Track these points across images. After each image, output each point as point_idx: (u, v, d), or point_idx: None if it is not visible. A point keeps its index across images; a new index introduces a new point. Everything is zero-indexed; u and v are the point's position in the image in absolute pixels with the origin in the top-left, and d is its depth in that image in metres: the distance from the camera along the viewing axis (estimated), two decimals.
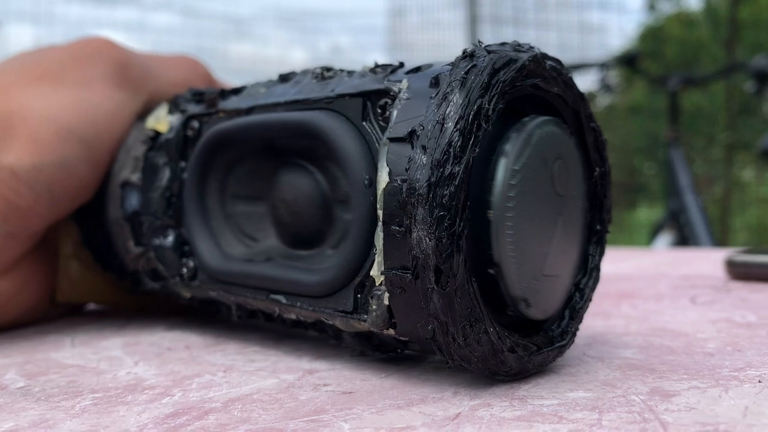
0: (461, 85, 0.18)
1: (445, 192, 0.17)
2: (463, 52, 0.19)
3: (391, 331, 0.20)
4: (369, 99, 0.21)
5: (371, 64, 0.22)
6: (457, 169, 0.17)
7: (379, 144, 0.20)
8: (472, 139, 0.18)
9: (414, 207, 0.18)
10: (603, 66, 1.65)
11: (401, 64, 0.21)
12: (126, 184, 0.28)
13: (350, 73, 0.22)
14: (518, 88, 0.19)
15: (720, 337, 0.25)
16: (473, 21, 2.43)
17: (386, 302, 0.19)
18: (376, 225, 0.19)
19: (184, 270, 0.26)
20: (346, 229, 0.22)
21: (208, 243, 0.25)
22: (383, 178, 0.19)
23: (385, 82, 0.20)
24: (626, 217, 2.83)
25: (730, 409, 0.17)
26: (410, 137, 0.18)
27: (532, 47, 0.20)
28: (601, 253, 0.23)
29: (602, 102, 2.62)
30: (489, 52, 0.19)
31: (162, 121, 0.28)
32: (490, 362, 0.19)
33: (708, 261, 0.50)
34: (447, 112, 0.18)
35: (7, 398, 0.20)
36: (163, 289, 0.28)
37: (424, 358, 0.23)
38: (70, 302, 0.31)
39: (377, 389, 0.20)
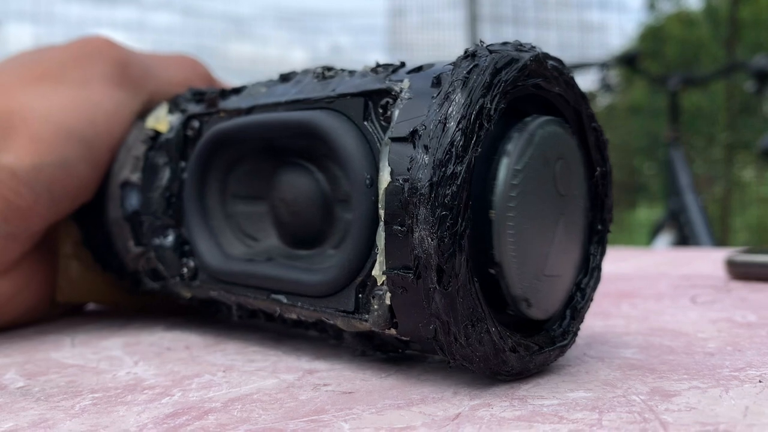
0: (463, 85, 0.18)
1: (447, 191, 0.17)
2: (465, 52, 0.19)
3: (393, 331, 0.20)
4: (370, 99, 0.21)
5: (372, 64, 0.22)
6: (459, 168, 0.17)
7: (380, 144, 0.20)
8: (474, 139, 0.18)
9: (416, 207, 0.18)
10: (603, 65, 1.65)
11: (402, 64, 0.21)
12: (126, 184, 0.28)
13: (351, 72, 0.22)
14: (520, 87, 0.19)
15: (720, 337, 0.25)
16: (473, 20, 2.43)
17: (388, 302, 0.19)
18: (377, 225, 0.19)
19: (185, 270, 0.26)
20: (346, 228, 0.22)
21: (208, 243, 0.25)
22: (385, 178, 0.19)
23: (387, 81, 0.20)
24: (626, 217, 2.83)
25: (730, 409, 0.17)
26: (412, 137, 0.18)
27: (534, 47, 0.20)
28: (602, 253, 0.23)
29: (602, 101, 2.62)
30: (491, 51, 0.19)
31: (162, 120, 0.28)
32: (491, 362, 0.19)
33: (708, 261, 0.50)
34: (449, 111, 0.18)
35: (7, 398, 0.20)
36: (163, 289, 0.28)
37: (424, 357, 0.23)
38: (70, 302, 0.31)
39: (377, 389, 0.20)
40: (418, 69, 0.20)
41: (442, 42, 2.60)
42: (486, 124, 0.18)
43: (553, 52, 0.20)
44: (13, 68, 0.29)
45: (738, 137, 2.70)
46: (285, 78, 0.25)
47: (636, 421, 0.16)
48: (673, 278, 0.41)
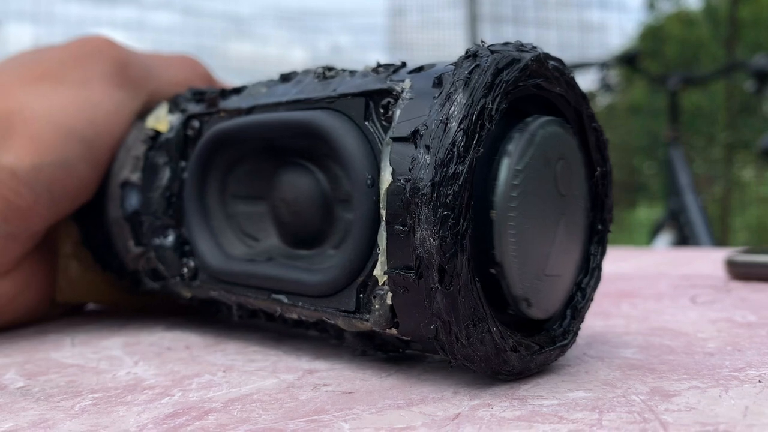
0: (465, 85, 0.18)
1: (449, 191, 0.17)
2: (466, 52, 0.19)
3: (394, 331, 0.20)
4: (371, 99, 0.21)
5: (373, 64, 0.22)
6: (460, 168, 0.17)
7: (381, 144, 0.20)
8: (476, 139, 0.18)
9: (418, 206, 0.18)
10: (603, 65, 1.65)
11: (403, 64, 0.21)
12: (126, 184, 0.28)
13: (352, 72, 0.22)
14: (521, 88, 0.19)
15: (720, 337, 0.25)
16: (473, 20, 2.43)
17: (389, 302, 0.19)
18: (378, 225, 0.19)
19: (185, 270, 0.26)
20: (347, 228, 0.22)
21: (208, 243, 0.25)
22: (386, 178, 0.19)
23: (388, 81, 0.20)
24: (626, 217, 2.83)
25: (730, 409, 0.17)
26: (414, 137, 0.18)
27: (535, 47, 0.20)
28: (603, 253, 0.23)
29: (602, 101, 2.62)
30: (492, 51, 0.19)
31: (162, 120, 0.28)
32: (492, 362, 0.19)
33: (708, 261, 0.50)
34: (450, 111, 0.18)
35: (7, 398, 0.20)
36: (164, 289, 0.28)
37: (424, 357, 0.23)
38: (70, 302, 0.31)
39: (377, 389, 0.20)
40: (419, 69, 0.20)
41: (442, 41, 2.60)
42: (487, 125, 0.18)
43: (553, 52, 0.20)
44: (13, 68, 0.29)
45: (738, 137, 2.70)
46: (285, 78, 0.25)
47: (636, 421, 0.16)
48: (673, 278, 0.41)
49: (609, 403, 0.18)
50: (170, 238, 0.26)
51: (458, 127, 0.18)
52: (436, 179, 0.17)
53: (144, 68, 0.30)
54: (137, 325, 0.30)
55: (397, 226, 0.18)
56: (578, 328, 0.22)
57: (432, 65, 0.20)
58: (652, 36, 3.38)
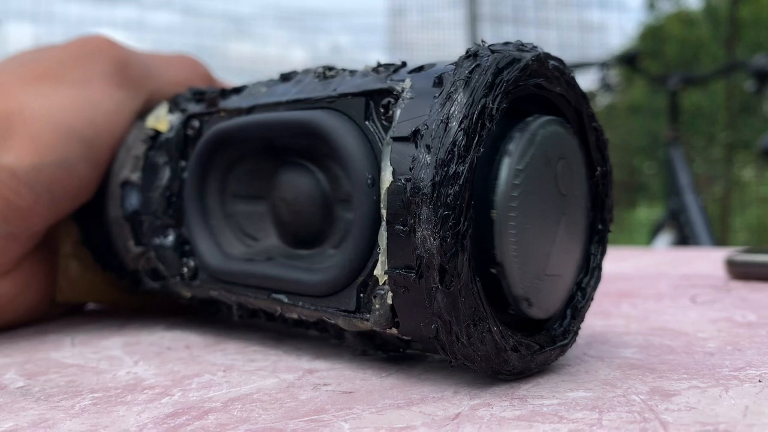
0: (465, 85, 0.18)
1: (450, 191, 0.17)
2: (467, 52, 0.19)
3: (394, 331, 0.20)
4: (372, 98, 0.21)
5: (373, 64, 0.22)
6: (461, 168, 0.17)
7: (381, 143, 0.20)
8: (477, 139, 0.18)
9: (418, 206, 0.18)
10: (603, 65, 1.65)
11: (404, 64, 0.21)
12: (126, 184, 0.28)
13: (352, 72, 0.22)
14: (522, 87, 0.19)
15: (720, 337, 0.25)
16: (473, 20, 2.43)
17: (389, 301, 0.19)
18: (378, 224, 0.19)
19: (185, 269, 0.26)
20: (347, 228, 0.22)
21: (208, 242, 0.25)
22: (387, 178, 0.19)
23: (388, 81, 0.20)
24: (626, 217, 2.83)
25: (730, 409, 0.17)
26: (414, 136, 0.18)
27: (535, 47, 0.20)
28: (603, 253, 0.23)
29: (602, 101, 2.62)
30: (492, 51, 0.19)
31: (162, 120, 0.28)
32: (493, 361, 0.19)
33: (708, 260, 0.50)
34: (451, 111, 0.18)
35: (7, 398, 0.20)
36: (163, 289, 0.28)
37: (424, 357, 0.23)
38: (70, 302, 0.31)
39: (377, 389, 0.20)
40: (420, 69, 0.20)
41: (442, 41, 2.60)
42: (488, 124, 0.18)
43: (553, 52, 0.20)
44: (12, 68, 0.29)
45: (738, 137, 2.70)
46: (286, 77, 0.25)
47: (636, 421, 0.16)
48: (673, 278, 0.41)
49: (609, 402, 0.18)
50: (170, 238, 0.26)
51: (459, 126, 0.18)
52: (437, 179, 0.17)
53: (144, 68, 0.30)
54: (137, 324, 0.30)
55: (397, 226, 0.18)
56: (578, 328, 0.22)
57: (432, 65, 0.20)
58: (652, 36, 3.38)
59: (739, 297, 0.34)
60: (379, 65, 0.22)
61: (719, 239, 2.17)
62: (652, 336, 0.25)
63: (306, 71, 0.24)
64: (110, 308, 0.34)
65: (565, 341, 0.21)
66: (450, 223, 0.17)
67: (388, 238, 0.19)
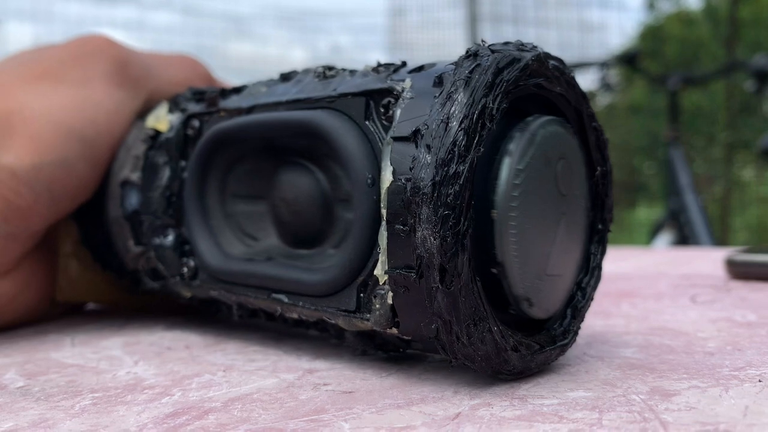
0: (465, 85, 0.18)
1: (450, 191, 0.17)
2: (467, 52, 0.19)
3: (395, 330, 0.20)
4: (372, 98, 0.21)
5: (373, 64, 0.22)
6: (461, 168, 0.17)
7: (382, 143, 0.20)
8: (477, 138, 0.18)
9: (418, 206, 0.18)
10: (603, 65, 1.65)
11: (404, 63, 0.21)
12: (126, 183, 0.28)
13: (352, 72, 0.22)
14: (522, 87, 0.19)
15: (720, 337, 0.25)
16: (473, 20, 2.43)
17: (390, 301, 0.19)
18: (378, 224, 0.19)
19: (185, 269, 0.26)
20: (347, 228, 0.22)
21: (208, 242, 0.25)
22: (387, 177, 0.19)
23: (388, 81, 0.20)
24: (626, 217, 2.83)
25: (730, 409, 0.17)
26: (414, 136, 0.18)
27: (535, 47, 0.20)
28: (603, 252, 0.23)
29: (602, 101, 2.62)
30: (493, 51, 0.19)
31: (162, 120, 0.28)
32: (493, 361, 0.19)
33: (708, 260, 0.50)
34: (451, 111, 0.18)
35: (7, 398, 0.20)
36: (163, 289, 0.28)
37: (424, 357, 0.23)
38: (70, 302, 0.31)
39: (377, 389, 0.20)
40: (420, 68, 0.20)
41: (442, 41, 2.60)
42: (488, 124, 0.18)
43: (553, 52, 0.20)
44: (12, 67, 0.29)
45: (738, 137, 2.70)
46: (286, 77, 0.25)
47: (636, 421, 0.16)
48: (673, 278, 0.41)
49: (609, 402, 0.18)
50: (170, 238, 0.26)
51: (459, 126, 0.18)
52: (437, 179, 0.17)
53: (144, 68, 0.30)
54: (137, 324, 0.30)
55: (397, 226, 0.18)
56: (578, 328, 0.22)
57: (432, 65, 0.20)
58: (652, 36, 3.38)
59: (739, 297, 0.34)
60: (379, 65, 0.22)
61: (719, 239, 2.17)
62: (652, 336, 0.25)
63: (306, 71, 0.24)
64: (110, 308, 0.34)
65: (566, 341, 0.21)
66: (450, 223, 0.17)
67: (388, 238, 0.19)
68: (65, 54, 0.29)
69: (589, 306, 0.22)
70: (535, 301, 0.20)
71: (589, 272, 0.22)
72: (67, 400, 0.19)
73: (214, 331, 0.28)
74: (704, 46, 3.17)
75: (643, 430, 0.16)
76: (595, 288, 0.22)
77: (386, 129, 0.20)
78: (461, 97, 0.18)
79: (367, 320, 0.20)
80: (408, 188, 0.18)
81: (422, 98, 0.19)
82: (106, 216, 0.29)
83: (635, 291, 0.36)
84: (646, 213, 2.88)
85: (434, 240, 0.17)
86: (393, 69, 0.21)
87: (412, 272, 0.18)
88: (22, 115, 0.26)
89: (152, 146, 0.27)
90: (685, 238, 1.42)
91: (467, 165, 0.17)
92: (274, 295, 0.23)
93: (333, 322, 0.21)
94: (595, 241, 0.23)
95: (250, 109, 0.24)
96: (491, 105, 0.18)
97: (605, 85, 1.70)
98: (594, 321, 0.28)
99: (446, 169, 0.17)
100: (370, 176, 0.20)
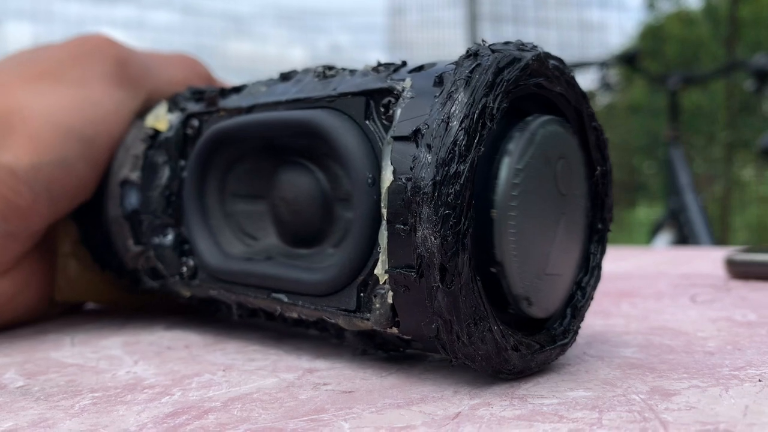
0: (466, 84, 0.18)
1: (451, 190, 0.17)
2: (467, 51, 0.19)
3: (395, 330, 0.20)
4: (372, 98, 0.21)
5: (373, 63, 0.22)
6: (462, 167, 0.17)
7: (382, 143, 0.20)
8: (477, 138, 0.18)
9: (419, 205, 0.18)
10: (603, 64, 1.65)
11: (404, 63, 0.21)
12: (125, 183, 0.28)
13: (352, 71, 0.22)
14: (522, 87, 0.19)
15: (720, 336, 0.25)
16: (473, 19, 2.43)
17: (390, 301, 0.19)
18: (378, 224, 0.19)
19: (184, 269, 0.26)
20: (347, 227, 0.22)
21: (207, 242, 0.25)
22: (387, 177, 0.19)
23: (388, 80, 0.20)
24: (626, 216, 2.83)
25: (730, 408, 0.17)
26: (415, 136, 0.18)
27: (536, 46, 0.20)
28: (603, 252, 0.23)
29: (602, 101, 2.62)
30: (493, 51, 0.19)
31: (161, 119, 0.28)
32: (493, 360, 0.19)
33: (708, 260, 0.50)
34: (452, 110, 0.18)
35: (7, 397, 0.20)
36: (163, 288, 0.28)
37: (424, 356, 0.23)
38: (69, 301, 0.31)
39: (377, 388, 0.20)
40: (420, 68, 0.20)
41: (442, 40, 2.60)
42: (489, 124, 0.18)
43: (553, 51, 0.20)
44: (12, 67, 0.29)
45: (738, 136, 2.70)
46: (285, 77, 0.25)
47: (636, 420, 0.16)
48: (673, 277, 0.41)
49: (609, 402, 0.18)
50: (169, 237, 0.26)
51: (459, 126, 0.18)
52: (438, 178, 0.17)
53: (143, 67, 0.30)
54: (137, 324, 0.30)
55: (398, 225, 0.18)
56: (578, 327, 0.22)
57: (432, 64, 0.20)
58: (652, 35, 3.38)
59: (739, 296, 0.34)
60: (379, 64, 0.22)
61: (719, 238, 2.17)
62: (652, 335, 0.25)
63: (306, 70, 0.24)
64: (110, 308, 0.34)
65: (565, 340, 0.21)
66: (451, 222, 0.17)
67: (388, 237, 0.19)
68: (64, 53, 0.29)
69: (588, 305, 0.22)
70: (535, 301, 0.20)
71: (588, 272, 0.22)
72: (66, 400, 0.19)
73: (213, 331, 0.28)
74: (704, 46, 3.17)
75: (643, 429, 0.16)
76: (594, 287, 0.22)
77: (386, 128, 0.20)
78: (462, 97, 0.18)
79: (367, 320, 0.20)
80: (408, 188, 0.18)
81: (422, 98, 0.19)
82: (106, 215, 0.29)
83: (635, 291, 0.36)
84: (646, 212, 2.88)
85: (435, 239, 0.17)
86: (393, 68, 0.21)
87: (412, 271, 0.18)
88: (22, 115, 0.26)
89: (151, 146, 0.27)
90: (685, 238, 1.43)
91: (468, 164, 0.17)
92: (274, 295, 0.23)
93: (333, 321, 0.21)
94: (595, 241, 0.23)
95: (250, 109, 0.24)
96: (492, 104, 0.18)
97: (605, 85, 1.70)
98: (594, 321, 0.28)
99: (447, 168, 0.17)
100: (370, 176, 0.20)
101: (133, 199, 0.28)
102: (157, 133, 0.27)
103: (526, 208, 0.19)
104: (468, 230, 0.18)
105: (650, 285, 0.38)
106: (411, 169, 0.18)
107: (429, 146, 0.18)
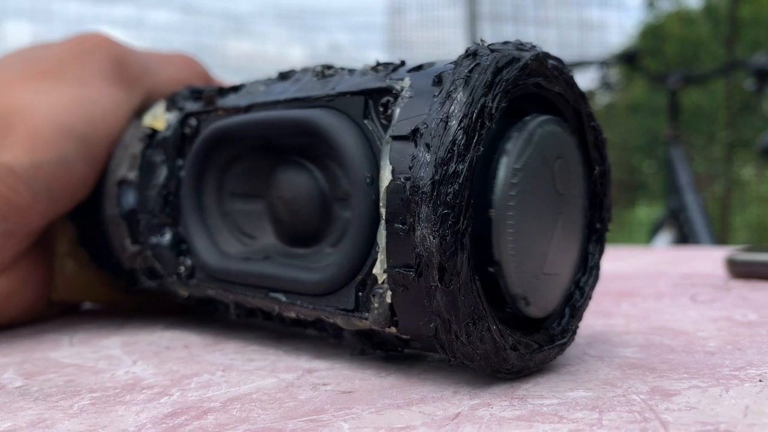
0: (465, 84, 0.18)
1: (449, 190, 0.17)
2: (466, 51, 0.19)
3: (393, 329, 0.19)
4: (371, 97, 0.20)
5: (372, 62, 0.22)
6: (461, 167, 0.17)
7: (381, 142, 0.20)
8: (476, 138, 0.18)
9: (418, 205, 0.18)
10: (603, 64, 1.65)
11: (403, 63, 0.21)
12: (123, 182, 0.28)
13: (351, 71, 0.22)
14: (521, 86, 0.19)
15: (720, 336, 0.25)
16: (473, 18, 2.43)
17: (388, 300, 0.19)
18: (377, 223, 0.19)
19: (182, 268, 0.26)
20: (345, 227, 0.22)
21: (205, 241, 0.25)
22: (386, 176, 0.19)
23: (387, 80, 0.20)
24: (626, 216, 2.83)
25: (730, 409, 0.17)
26: (414, 135, 0.18)
27: (535, 46, 0.20)
28: (601, 252, 0.23)
29: (602, 100, 2.62)
30: (492, 50, 0.19)
31: (159, 118, 0.27)
32: (492, 360, 0.19)
33: (708, 259, 0.50)
34: (451, 110, 0.18)
35: (5, 398, 0.20)
36: (160, 288, 0.28)
37: (423, 356, 0.23)
38: (66, 301, 0.31)
39: (377, 389, 0.20)
40: (419, 68, 0.20)
41: (442, 40, 2.60)
42: (487, 123, 0.18)
43: (552, 51, 0.20)
44: (11, 65, 0.29)
45: (738, 135, 2.70)
46: (284, 76, 0.25)
47: (636, 421, 0.16)
48: (673, 277, 0.41)
49: (609, 402, 0.18)
50: (167, 237, 0.26)
51: (458, 125, 0.18)
52: (437, 178, 0.17)
53: (142, 66, 0.30)
54: (136, 324, 0.30)
55: (396, 225, 0.18)
56: (577, 327, 0.22)
57: (431, 64, 0.20)
58: (652, 34, 3.38)
59: (740, 296, 0.34)
60: (378, 64, 0.21)
61: (719, 238, 2.17)
62: (652, 335, 0.25)
63: (305, 70, 0.24)
64: (109, 308, 0.34)
65: (564, 340, 0.21)
66: (449, 222, 0.17)
67: (387, 237, 0.18)
68: (64, 52, 0.29)
69: (587, 305, 0.22)
70: (532, 300, 0.20)
71: (587, 271, 0.22)
72: (65, 400, 0.19)
73: (212, 331, 0.28)
74: (704, 45, 3.17)
75: (644, 430, 0.16)
76: (593, 287, 0.22)
77: (385, 128, 0.20)
78: (461, 96, 0.18)
79: (366, 319, 0.20)
80: (407, 187, 0.18)
81: (421, 97, 0.19)
82: (103, 215, 0.29)
83: (635, 290, 0.36)
84: (646, 212, 2.88)
85: (433, 239, 0.17)
86: (392, 68, 0.21)
87: (411, 271, 0.18)
88: (21, 113, 0.26)
89: (149, 145, 0.27)
90: (685, 237, 1.43)
91: (467, 164, 0.17)
92: (272, 294, 0.23)
93: (331, 321, 0.21)
94: (593, 241, 0.22)
95: (248, 108, 0.24)
96: (490, 104, 0.18)
97: (605, 84, 1.70)
98: (594, 320, 0.28)
99: (446, 168, 0.17)
100: (368, 175, 0.20)
101: (130, 199, 0.27)
102: (155, 132, 0.27)
103: (524, 207, 0.19)
104: (467, 230, 0.17)
105: (650, 285, 0.38)
106: (410, 168, 0.18)
107: (428, 146, 0.18)
